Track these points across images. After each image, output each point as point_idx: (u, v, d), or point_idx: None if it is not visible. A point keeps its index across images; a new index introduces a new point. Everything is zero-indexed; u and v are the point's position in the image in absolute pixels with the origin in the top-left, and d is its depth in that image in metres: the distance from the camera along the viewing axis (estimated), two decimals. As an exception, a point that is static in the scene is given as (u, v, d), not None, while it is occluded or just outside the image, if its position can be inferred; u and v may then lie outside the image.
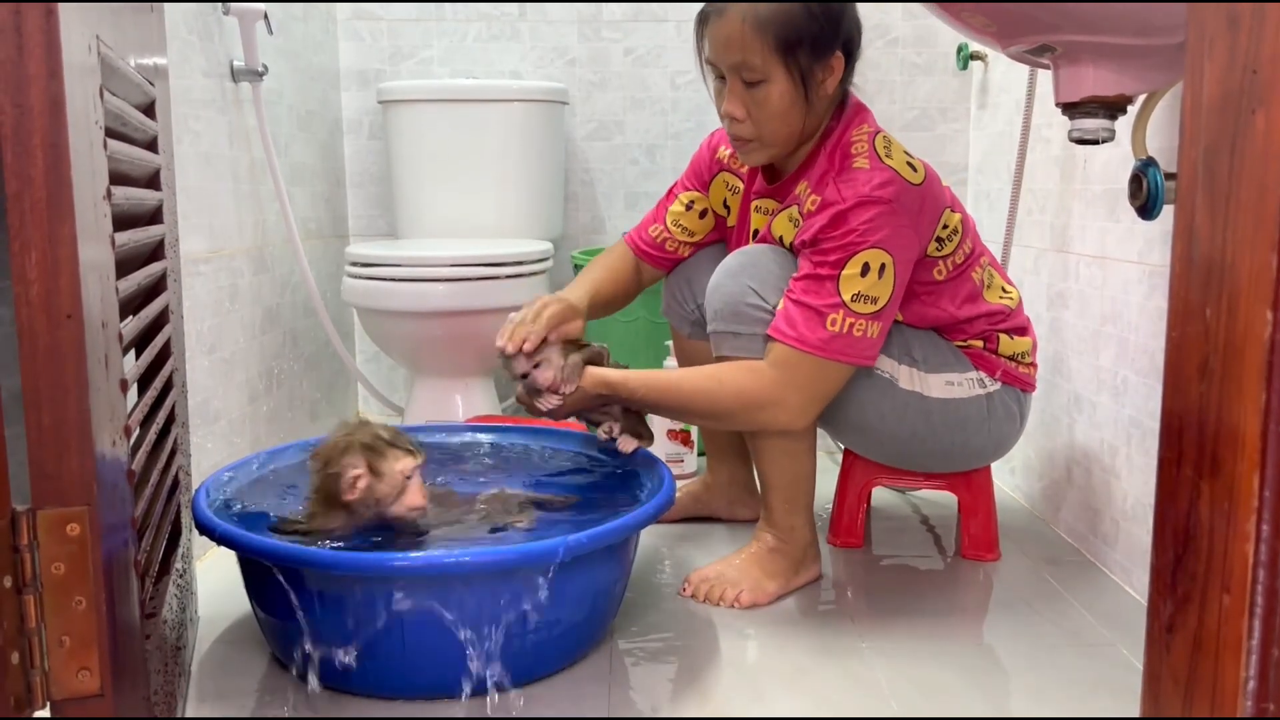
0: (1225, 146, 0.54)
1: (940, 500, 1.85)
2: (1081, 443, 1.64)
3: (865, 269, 1.29)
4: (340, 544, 1.15)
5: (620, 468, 1.45)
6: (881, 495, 1.88)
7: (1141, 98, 1.25)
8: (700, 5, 1.37)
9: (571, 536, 1.10)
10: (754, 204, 1.50)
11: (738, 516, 1.74)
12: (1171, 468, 0.59)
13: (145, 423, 0.96)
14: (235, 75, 1.71)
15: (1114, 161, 1.54)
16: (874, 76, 2.30)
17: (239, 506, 1.28)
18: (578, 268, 2.12)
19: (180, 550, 1.14)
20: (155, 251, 1.08)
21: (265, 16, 1.71)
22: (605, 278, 1.57)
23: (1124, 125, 1.27)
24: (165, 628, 0.98)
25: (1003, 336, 1.45)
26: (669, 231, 1.58)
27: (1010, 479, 1.95)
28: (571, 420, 1.47)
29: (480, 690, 1.12)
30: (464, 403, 2.03)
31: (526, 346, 1.32)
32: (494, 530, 1.24)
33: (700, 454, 2.04)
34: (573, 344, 1.37)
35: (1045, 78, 1.75)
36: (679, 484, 1.68)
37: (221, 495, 1.29)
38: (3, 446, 0.66)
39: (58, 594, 0.70)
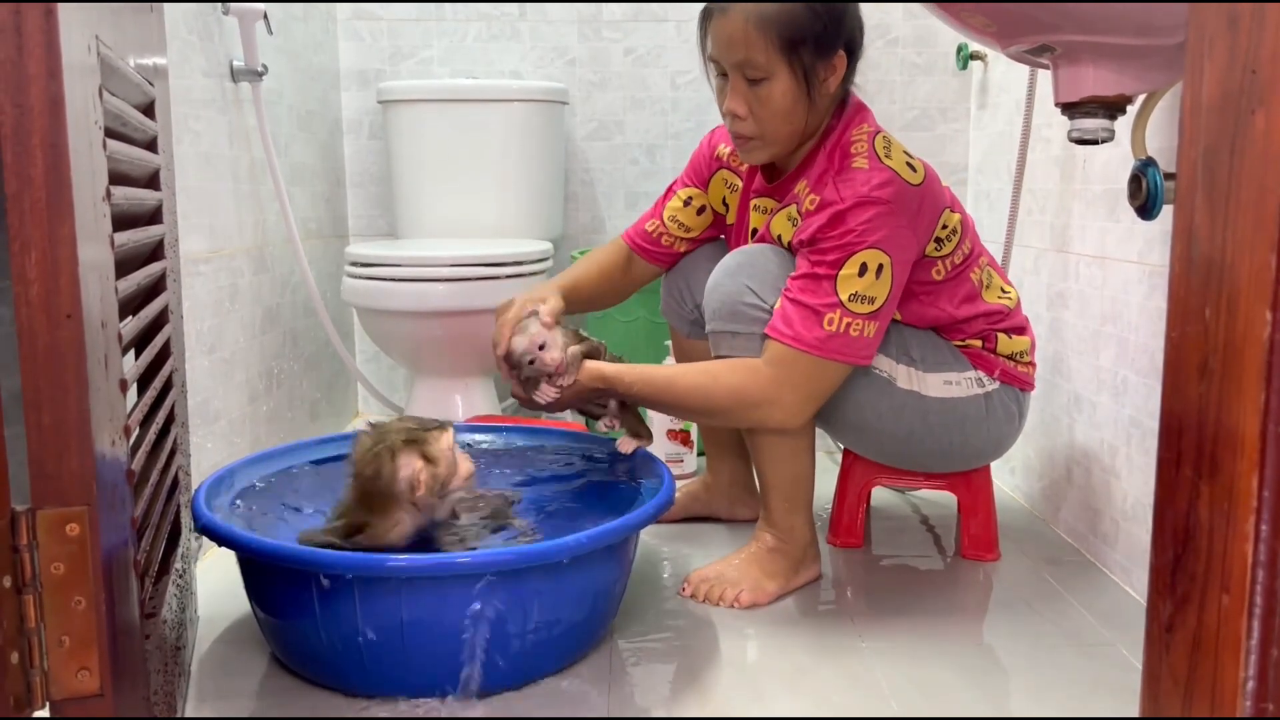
0: (1225, 147, 0.54)
1: (940, 500, 1.85)
2: (1081, 442, 1.64)
3: (863, 269, 1.29)
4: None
5: (619, 468, 1.45)
6: (881, 495, 1.88)
7: (1141, 98, 1.25)
8: (703, 3, 1.37)
9: (571, 537, 1.10)
10: (753, 203, 1.50)
11: (738, 516, 1.74)
12: (1171, 468, 0.59)
13: (145, 423, 0.96)
14: (235, 75, 1.71)
15: (1114, 161, 1.54)
16: (874, 76, 2.30)
17: (240, 509, 1.28)
18: (578, 268, 2.12)
19: (180, 550, 1.14)
20: (155, 251, 1.08)
21: (265, 16, 1.71)
22: (589, 272, 1.57)
23: (1124, 125, 1.27)
24: (165, 628, 0.98)
25: (1001, 336, 1.45)
26: (665, 227, 1.58)
27: (1010, 479, 1.95)
28: (571, 420, 1.47)
29: (480, 690, 1.12)
30: (464, 403, 2.03)
31: (544, 315, 1.34)
32: (495, 530, 1.24)
33: (700, 454, 2.04)
34: (572, 336, 1.37)
35: (1045, 78, 1.75)
36: (679, 484, 1.68)
37: (226, 495, 1.29)
38: (2, 446, 0.66)
39: (57, 594, 0.70)
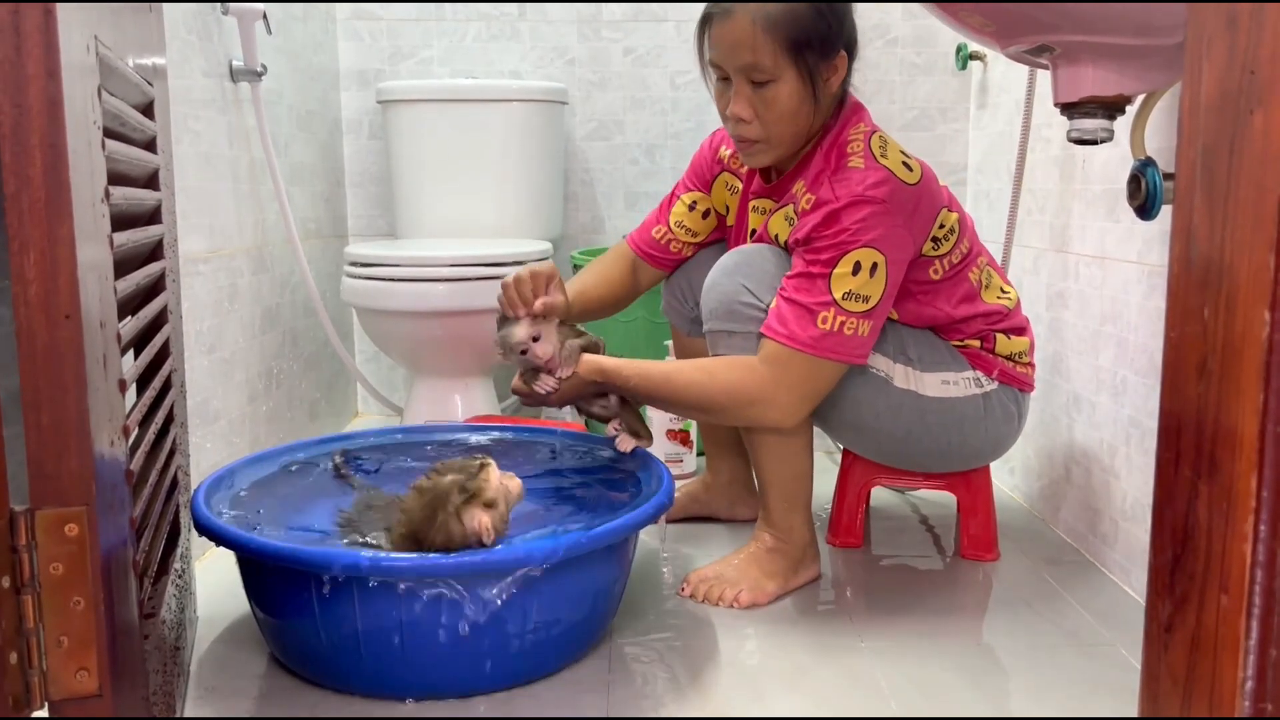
0: (1223, 147, 0.54)
1: (939, 500, 1.85)
2: (1081, 443, 1.64)
3: (857, 268, 1.29)
4: None
5: (619, 468, 1.45)
6: (881, 495, 1.88)
7: (1140, 98, 1.25)
8: (703, 6, 1.37)
9: (570, 536, 1.10)
10: (751, 204, 1.50)
11: (737, 516, 1.74)
12: (1170, 468, 0.59)
13: (144, 423, 0.96)
14: (235, 75, 1.71)
15: (1113, 161, 1.54)
16: (874, 76, 2.30)
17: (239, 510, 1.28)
18: (577, 268, 2.12)
19: (179, 550, 1.14)
20: (154, 251, 1.08)
21: (264, 16, 1.71)
22: (595, 280, 1.57)
23: (1123, 125, 1.27)
24: (164, 628, 0.98)
25: (1000, 336, 1.45)
26: (672, 233, 1.58)
27: (1010, 479, 1.95)
28: (570, 420, 1.47)
29: (480, 690, 1.12)
30: (463, 403, 2.03)
31: (537, 293, 1.33)
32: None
33: (700, 454, 2.04)
34: (570, 330, 1.37)
35: (1045, 78, 1.75)
36: (679, 484, 1.68)
37: (225, 495, 1.29)
38: (1, 446, 0.66)
39: (56, 594, 0.70)
